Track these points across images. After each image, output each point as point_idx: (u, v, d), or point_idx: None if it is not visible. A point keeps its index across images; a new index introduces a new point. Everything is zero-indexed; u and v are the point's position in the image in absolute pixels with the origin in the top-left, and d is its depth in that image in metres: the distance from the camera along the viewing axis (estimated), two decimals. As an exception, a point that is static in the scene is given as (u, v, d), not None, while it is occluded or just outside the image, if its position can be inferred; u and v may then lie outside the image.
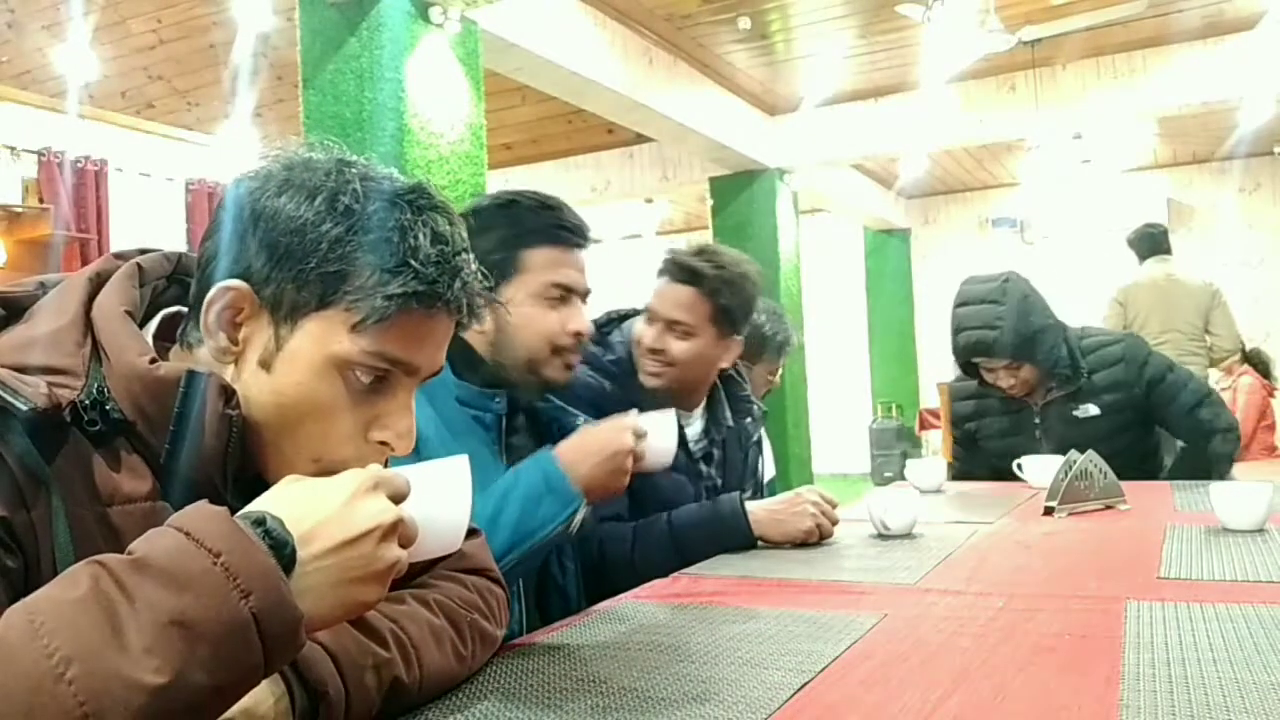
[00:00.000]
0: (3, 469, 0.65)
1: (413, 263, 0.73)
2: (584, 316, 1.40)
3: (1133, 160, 8.59)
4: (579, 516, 1.22)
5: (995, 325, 2.30)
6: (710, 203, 7.23)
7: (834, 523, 1.61)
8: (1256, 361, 5.17)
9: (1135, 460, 2.35)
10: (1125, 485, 1.89)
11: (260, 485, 0.79)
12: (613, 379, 1.75)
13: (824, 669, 0.88)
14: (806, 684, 0.84)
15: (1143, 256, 4.60)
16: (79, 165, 5.73)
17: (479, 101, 3.97)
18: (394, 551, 0.67)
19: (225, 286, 0.74)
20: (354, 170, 0.77)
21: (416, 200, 0.77)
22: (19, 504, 0.65)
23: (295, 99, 3.86)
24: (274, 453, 0.76)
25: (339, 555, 0.64)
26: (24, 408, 0.66)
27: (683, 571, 1.39)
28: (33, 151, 5.60)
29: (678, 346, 1.73)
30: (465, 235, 0.80)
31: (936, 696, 0.79)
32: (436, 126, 3.74)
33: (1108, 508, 1.84)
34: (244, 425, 0.74)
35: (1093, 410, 2.38)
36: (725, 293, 1.75)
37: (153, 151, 6.28)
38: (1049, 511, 1.80)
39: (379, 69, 3.58)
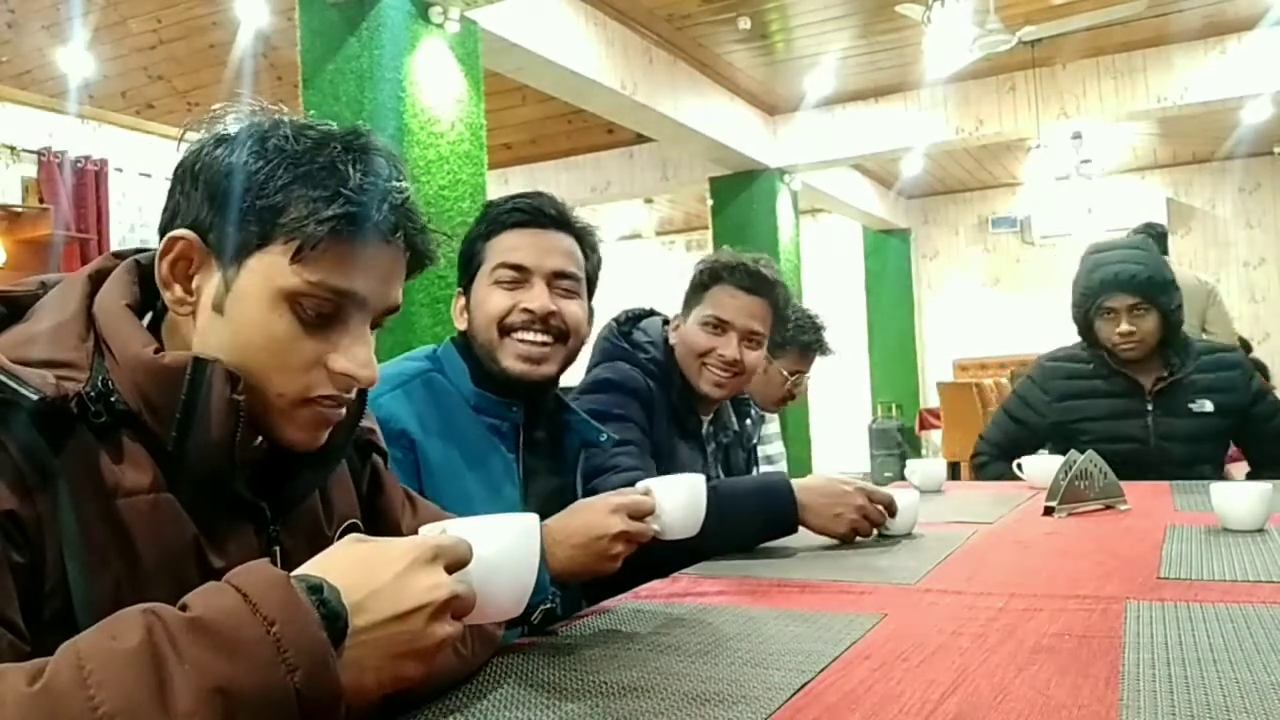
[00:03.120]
0: (8, 461, 0.65)
1: (343, 191, 0.75)
2: (541, 295, 1.32)
3: (1133, 160, 8.59)
4: (543, 607, 1.08)
5: (1140, 261, 2.28)
6: (710, 203, 7.24)
7: (875, 524, 1.53)
8: (1254, 363, 5.16)
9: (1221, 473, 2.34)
10: (1125, 485, 1.88)
11: (262, 473, 0.80)
12: (653, 378, 1.74)
13: (824, 669, 0.88)
14: (806, 684, 0.84)
15: (1141, 256, 4.59)
16: (79, 165, 5.74)
17: (479, 101, 3.97)
18: (443, 629, 0.67)
19: (173, 237, 0.77)
20: (289, 119, 0.79)
21: (352, 141, 0.79)
22: (25, 497, 0.65)
23: (295, 99, 3.85)
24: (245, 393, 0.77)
25: (387, 629, 0.64)
26: (33, 396, 0.66)
27: (682, 571, 1.39)
28: (33, 151, 5.60)
29: (750, 356, 1.76)
30: (406, 176, 0.82)
31: (936, 696, 0.79)
32: (436, 127, 3.74)
33: (1108, 508, 1.84)
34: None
35: (1208, 406, 2.31)
36: (785, 303, 1.81)
37: (153, 151, 6.27)
38: (1049, 511, 1.80)
39: (379, 69, 3.58)
